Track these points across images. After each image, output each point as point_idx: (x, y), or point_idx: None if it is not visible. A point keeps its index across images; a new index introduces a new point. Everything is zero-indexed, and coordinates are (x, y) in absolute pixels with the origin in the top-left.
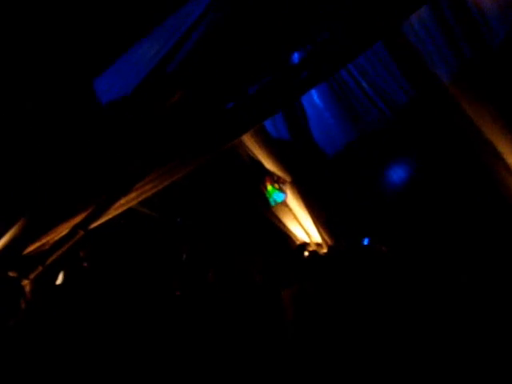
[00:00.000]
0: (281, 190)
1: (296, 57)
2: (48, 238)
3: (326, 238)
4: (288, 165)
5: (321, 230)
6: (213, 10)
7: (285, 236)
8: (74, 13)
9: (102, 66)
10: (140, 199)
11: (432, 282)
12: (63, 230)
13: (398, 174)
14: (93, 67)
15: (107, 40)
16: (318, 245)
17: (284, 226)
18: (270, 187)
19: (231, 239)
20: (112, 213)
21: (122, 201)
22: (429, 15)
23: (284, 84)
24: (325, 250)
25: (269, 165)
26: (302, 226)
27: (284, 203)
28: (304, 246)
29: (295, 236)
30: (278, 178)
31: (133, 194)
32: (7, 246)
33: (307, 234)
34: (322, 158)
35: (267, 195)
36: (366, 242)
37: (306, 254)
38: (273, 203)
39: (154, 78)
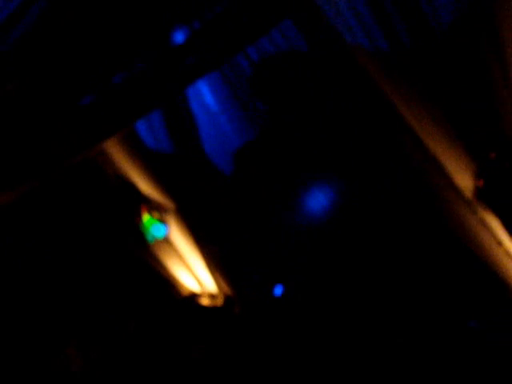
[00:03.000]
0: (161, 222)
1: (179, 36)
2: None
3: (223, 286)
4: (170, 186)
5: (216, 275)
6: None
7: (167, 285)
8: None
9: None
10: None
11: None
12: None
13: (315, 193)
14: None
15: None
16: (213, 296)
17: (166, 270)
18: (146, 218)
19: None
20: None
21: None
22: None
23: (162, 70)
24: (221, 303)
25: (144, 186)
26: (190, 270)
27: (166, 239)
28: (193, 297)
29: (181, 284)
30: (158, 204)
31: None
32: None
33: (198, 281)
34: (216, 176)
35: (143, 229)
36: (278, 291)
37: (196, 307)
38: (151, 239)
39: None
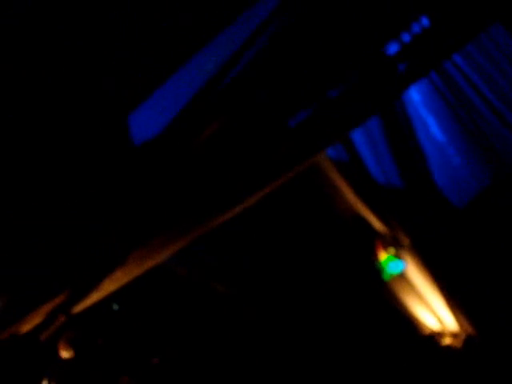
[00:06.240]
0: (397, 257)
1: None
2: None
3: (466, 325)
4: (402, 220)
5: (458, 313)
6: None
7: (406, 323)
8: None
9: (140, 98)
10: (145, 268)
11: None
12: (35, 318)
13: None
14: (128, 101)
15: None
16: (455, 335)
17: (404, 308)
18: (384, 255)
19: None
20: (106, 288)
21: (119, 273)
22: None
23: (377, 79)
24: (463, 343)
25: (376, 221)
26: (429, 307)
27: (402, 275)
28: (434, 337)
29: (420, 322)
30: (393, 239)
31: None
32: None
33: (438, 319)
34: (450, 211)
35: (379, 266)
36: None
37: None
38: (387, 276)
39: (193, 109)
